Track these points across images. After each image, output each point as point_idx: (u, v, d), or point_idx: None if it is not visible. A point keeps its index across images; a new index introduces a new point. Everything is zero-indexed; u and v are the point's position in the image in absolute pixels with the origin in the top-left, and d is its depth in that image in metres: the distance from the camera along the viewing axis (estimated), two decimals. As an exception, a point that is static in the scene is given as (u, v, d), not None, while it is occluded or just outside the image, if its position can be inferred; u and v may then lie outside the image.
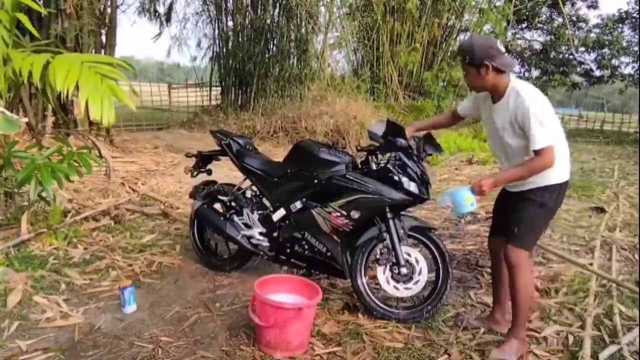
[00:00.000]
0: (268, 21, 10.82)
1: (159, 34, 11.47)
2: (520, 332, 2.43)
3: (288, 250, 3.02)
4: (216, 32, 11.79)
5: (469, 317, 2.77)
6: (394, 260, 2.69)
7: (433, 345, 2.53)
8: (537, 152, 2.16)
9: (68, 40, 6.18)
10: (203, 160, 3.50)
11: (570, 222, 4.96)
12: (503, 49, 2.23)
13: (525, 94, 2.18)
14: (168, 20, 11.67)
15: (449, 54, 15.04)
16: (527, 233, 2.34)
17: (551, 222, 4.83)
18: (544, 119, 2.14)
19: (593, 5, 19.60)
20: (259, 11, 10.97)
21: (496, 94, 2.30)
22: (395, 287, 2.73)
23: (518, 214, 2.34)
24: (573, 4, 19.78)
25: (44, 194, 3.48)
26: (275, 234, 3.05)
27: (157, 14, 11.35)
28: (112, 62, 2.97)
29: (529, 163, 2.20)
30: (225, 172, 5.43)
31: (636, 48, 18.87)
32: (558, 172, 2.28)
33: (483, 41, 2.31)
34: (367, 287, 2.79)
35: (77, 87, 2.66)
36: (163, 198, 5.06)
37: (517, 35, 20.69)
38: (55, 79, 2.59)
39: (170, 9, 11.64)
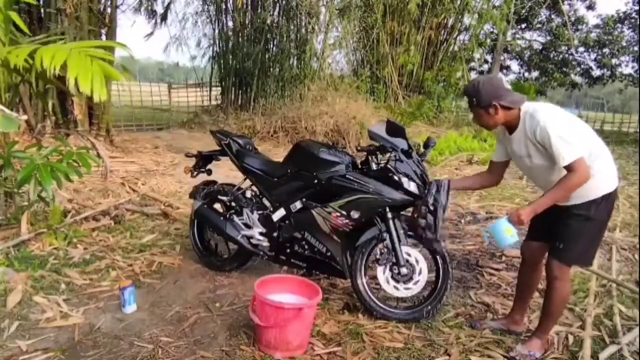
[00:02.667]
0: (268, 21, 10.82)
1: (151, 34, 11.43)
2: (545, 336, 2.49)
3: (288, 250, 3.02)
4: (216, 32, 11.79)
5: (488, 321, 2.76)
6: (394, 260, 2.69)
7: (433, 345, 2.53)
8: (567, 168, 2.09)
9: (68, 41, 6.17)
10: (203, 160, 3.50)
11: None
12: (509, 87, 2.24)
13: (539, 115, 2.15)
14: (164, 19, 11.63)
15: (449, 54, 15.05)
16: (572, 248, 2.28)
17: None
18: (564, 133, 2.08)
19: (591, 7, 19.61)
20: (259, 11, 10.97)
21: (510, 127, 2.30)
22: (395, 287, 2.73)
23: (564, 229, 2.28)
24: (571, 5, 19.80)
25: (43, 194, 3.48)
26: (275, 234, 3.05)
27: (153, 12, 11.32)
28: (103, 45, 2.91)
29: (563, 182, 2.12)
30: (225, 172, 5.43)
31: (636, 48, 18.88)
32: (603, 183, 2.20)
33: (488, 83, 2.28)
34: (367, 287, 2.80)
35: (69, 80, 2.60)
36: (163, 198, 5.06)
37: (517, 36, 20.70)
38: (42, 60, 2.54)
39: (167, 9, 11.61)
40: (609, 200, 2.23)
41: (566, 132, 2.09)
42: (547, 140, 2.10)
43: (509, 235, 2.23)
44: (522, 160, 2.33)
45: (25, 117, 3.02)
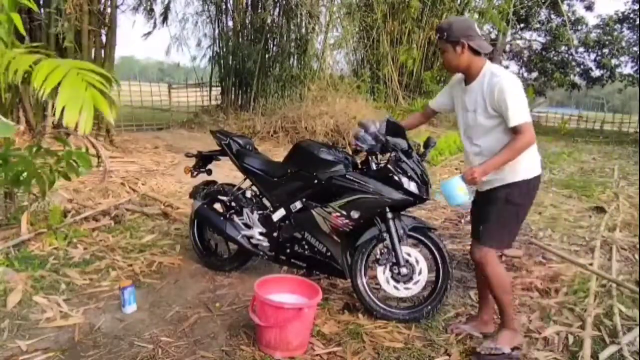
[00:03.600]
0: (268, 21, 10.81)
1: (149, 33, 11.41)
2: (509, 322, 2.45)
3: (288, 250, 3.02)
4: (216, 32, 11.79)
5: (459, 324, 2.72)
6: (394, 260, 2.69)
7: (433, 345, 2.53)
8: (516, 130, 2.17)
9: (68, 41, 6.17)
10: (203, 160, 3.50)
11: (570, 222, 4.96)
12: (480, 33, 2.28)
13: (501, 74, 2.21)
14: (164, 20, 11.61)
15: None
16: (492, 231, 2.36)
17: (551, 222, 4.86)
18: (520, 97, 2.18)
19: (590, 7, 19.61)
20: (259, 11, 10.97)
21: (470, 76, 2.33)
22: (395, 287, 2.73)
23: (485, 212, 2.38)
24: (570, 5, 19.79)
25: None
26: (275, 234, 3.05)
27: (152, 12, 11.30)
28: (105, 75, 2.79)
29: (512, 143, 2.20)
30: (225, 172, 5.43)
31: (635, 48, 18.89)
32: (526, 168, 2.29)
33: (462, 21, 2.41)
34: (367, 287, 2.80)
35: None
36: (163, 198, 5.06)
37: (516, 35, 20.70)
38: (36, 77, 2.44)
39: (167, 9, 11.59)
40: (529, 185, 2.32)
41: (522, 96, 2.20)
42: (503, 100, 2.16)
43: (462, 193, 2.26)
44: (467, 114, 2.37)
45: (21, 127, 2.99)
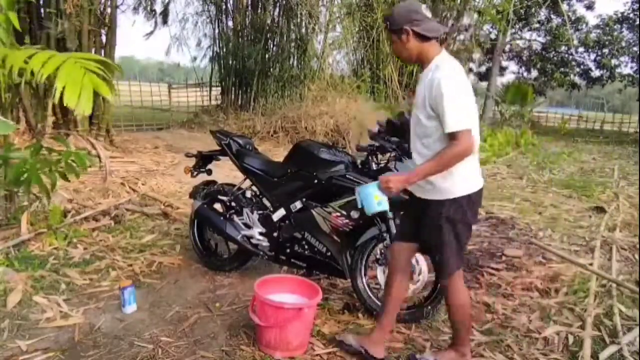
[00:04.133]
0: (268, 21, 10.82)
1: (151, 32, 11.43)
2: (462, 348, 2.27)
3: (288, 250, 3.02)
4: (216, 32, 11.81)
5: (346, 335, 2.47)
6: (394, 260, 2.69)
7: (433, 346, 2.52)
8: (451, 137, 1.93)
9: (68, 41, 6.17)
10: (203, 160, 3.50)
11: (570, 222, 4.96)
12: (429, 15, 2.05)
13: (443, 71, 1.96)
14: (164, 21, 11.62)
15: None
16: (449, 259, 2.15)
17: (551, 222, 4.86)
18: (458, 100, 1.92)
19: (590, 7, 19.63)
20: (259, 11, 10.97)
21: (424, 65, 2.08)
22: (395, 287, 2.73)
23: (434, 239, 2.13)
24: (570, 5, 19.80)
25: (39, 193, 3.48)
26: (275, 234, 3.05)
27: (153, 12, 11.31)
28: (101, 60, 2.82)
29: (444, 151, 1.95)
30: (225, 172, 5.43)
31: (635, 48, 18.90)
32: (463, 183, 2.04)
33: (404, 6, 2.08)
34: (367, 287, 2.80)
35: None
36: (163, 198, 5.06)
37: (516, 35, 20.70)
38: (33, 64, 2.49)
39: (166, 8, 11.60)
40: (470, 201, 2.07)
41: (461, 99, 1.94)
42: (439, 98, 1.91)
43: (376, 201, 2.05)
44: (414, 104, 2.12)
45: (19, 126, 3.00)
